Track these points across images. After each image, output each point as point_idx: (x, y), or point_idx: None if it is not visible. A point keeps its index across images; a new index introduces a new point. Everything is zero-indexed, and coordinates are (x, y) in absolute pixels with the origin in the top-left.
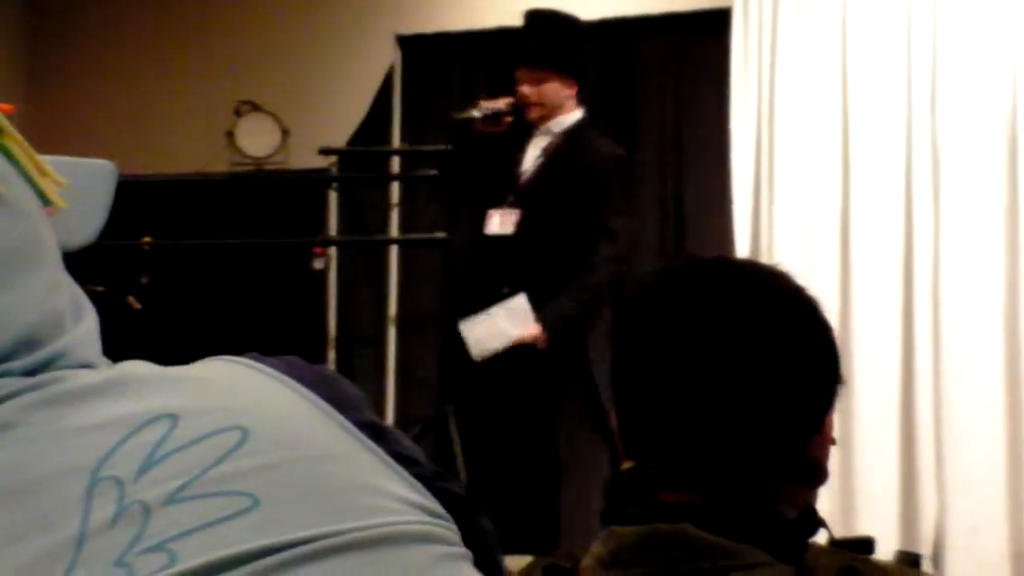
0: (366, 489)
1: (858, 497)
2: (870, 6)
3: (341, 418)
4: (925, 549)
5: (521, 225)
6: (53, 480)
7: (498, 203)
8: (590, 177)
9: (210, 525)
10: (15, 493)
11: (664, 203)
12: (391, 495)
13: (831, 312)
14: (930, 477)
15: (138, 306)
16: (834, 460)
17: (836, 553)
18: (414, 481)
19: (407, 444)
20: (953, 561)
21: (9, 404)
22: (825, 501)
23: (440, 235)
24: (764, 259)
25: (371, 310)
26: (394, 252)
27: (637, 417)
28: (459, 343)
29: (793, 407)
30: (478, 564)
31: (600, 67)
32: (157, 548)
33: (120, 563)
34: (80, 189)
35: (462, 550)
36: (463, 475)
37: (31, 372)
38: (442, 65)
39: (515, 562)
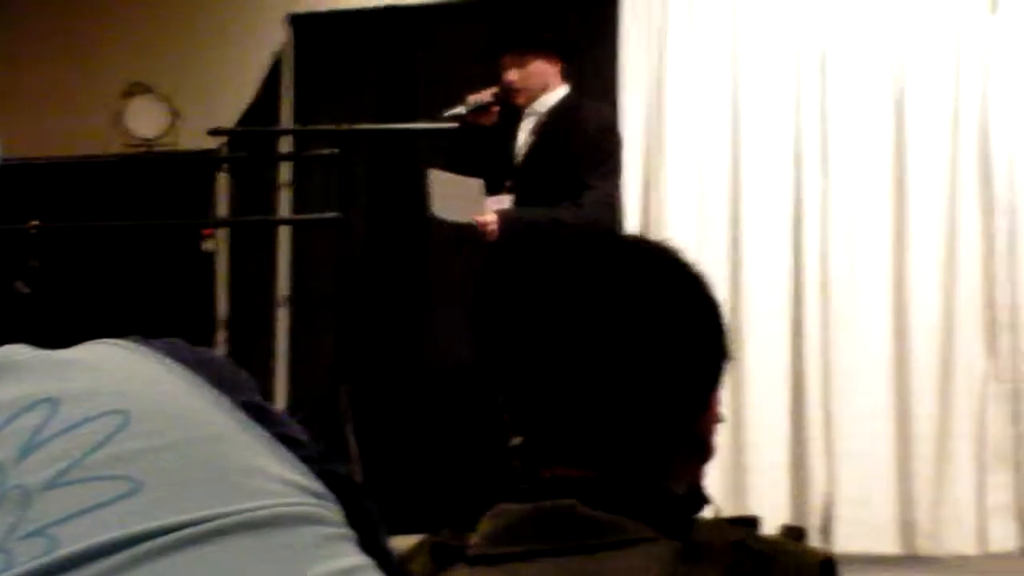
0: (250, 471)
1: (749, 471)
2: None
3: (224, 400)
4: (815, 520)
5: (520, 202)
6: None
7: (495, 191)
8: (577, 148)
9: (91, 510)
10: None
11: None
12: (275, 477)
13: (720, 288)
14: (819, 449)
15: (27, 290)
16: (725, 435)
17: (724, 528)
18: (298, 462)
19: (292, 425)
20: (843, 531)
21: None
22: (717, 475)
23: (332, 215)
24: (653, 234)
25: (262, 292)
26: (285, 233)
27: (525, 393)
28: (356, 324)
29: (680, 384)
30: (363, 545)
31: (491, 46)
32: (37, 533)
33: (0, 548)
34: None
35: (346, 531)
36: (355, 455)
37: None
38: (334, 44)
39: (408, 542)
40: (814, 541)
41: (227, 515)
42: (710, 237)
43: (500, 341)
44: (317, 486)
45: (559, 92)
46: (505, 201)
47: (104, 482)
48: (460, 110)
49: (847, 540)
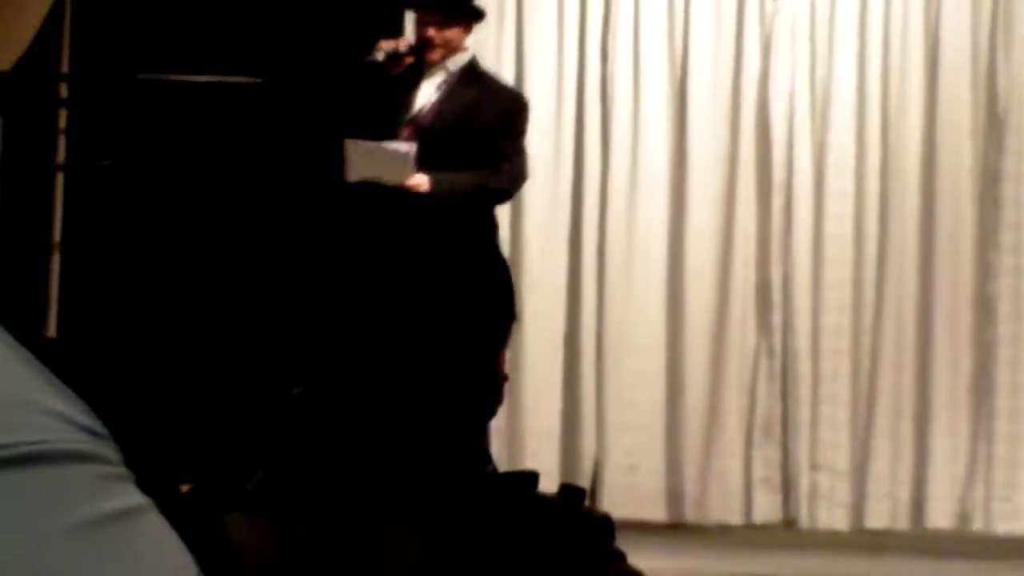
0: (23, 404)
1: (525, 434)
2: None
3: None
4: (584, 484)
5: (421, 158)
6: None
7: (391, 136)
8: (493, 114)
9: None
10: None
11: None
12: (50, 411)
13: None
14: (590, 418)
15: None
16: (503, 399)
17: (503, 487)
18: (77, 399)
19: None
20: (610, 497)
21: None
22: (494, 438)
23: (106, 162)
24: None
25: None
26: (60, 179)
27: (319, 344)
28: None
29: (471, 342)
30: (142, 485)
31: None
32: None
33: None
34: None
35: (123, 470)
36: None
37: None
38: None
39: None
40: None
41: (4, 447)
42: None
43: (299, 295)
44: (96, 424)
45: (466, 55)
46: (403, 147)
47: None
48: (377, 56)
49: (614, 506)
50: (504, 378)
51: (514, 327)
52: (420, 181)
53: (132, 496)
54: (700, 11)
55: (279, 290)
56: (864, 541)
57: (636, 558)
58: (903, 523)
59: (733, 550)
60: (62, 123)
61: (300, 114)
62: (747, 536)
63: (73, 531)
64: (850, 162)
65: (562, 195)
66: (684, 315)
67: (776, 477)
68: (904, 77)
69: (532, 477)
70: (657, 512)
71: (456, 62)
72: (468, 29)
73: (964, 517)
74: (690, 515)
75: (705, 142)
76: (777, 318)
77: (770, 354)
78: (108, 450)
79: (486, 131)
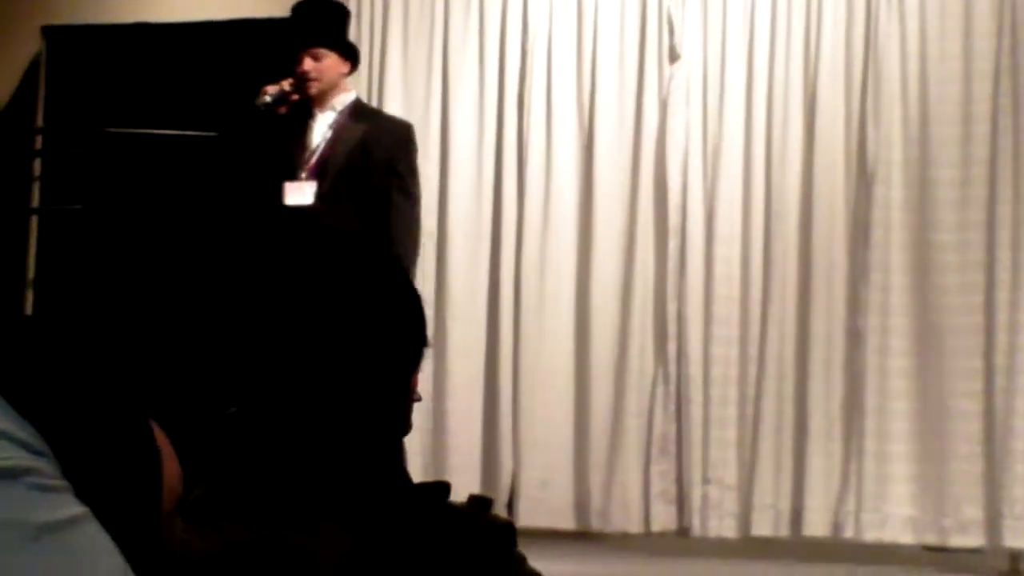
0: None
1: (449, 452)
2: (464, 23)
3: None
4: (503, 497)
5: (320, 195)
6: None
7: (291, 177)
8: (385, 144)
9: None
10: None
11: None
12: None
13: (428, 292)
14: (508, 437)
15: None
16: (428, 419)
17: (417, 499)
18: (15, 415)
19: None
20: (526, 510)
21: None
22: (418, 456)
23: (77, 207)
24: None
25: (11, 275)
26: (34, 221)
27: (251, 367)
28: (94, 306)
29: (386, 365)
30: (82, 494)
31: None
32: None
33: None
34: None
35: (61, 482)
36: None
37: None
38: (86, 55)
39: None
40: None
41: None
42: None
43: (234, 324)
44: (34, 439)
45: (351, 95)
46: (307, 187)
47: None
48: (266, 99)
49: (529, 517)
50: (416, 399)
51: (424, 352)
52: None
53: (71, 506)
54: (605, 71)
55: (219, 319)
56: (750, 548)
57: (548, 563)
58: (784, 531)
59: (634, 556)
60: (37, 171)
61: (246, 162)
62: (646, 543)
63: (11, 545)
64: (737, 209)
65: (483, 235)
66: (590, 345)
67: (672, 490)
68: (785, 134)
69: (444, 487)
70: (566, 522)
71: (342, 101)
72: (344, 64)
73: (838, 526)
74: (595, 524)
75: (609, 189)
76: (672, 348)
77: (666, 381)
78: (45, 464)
79: (383, 160)
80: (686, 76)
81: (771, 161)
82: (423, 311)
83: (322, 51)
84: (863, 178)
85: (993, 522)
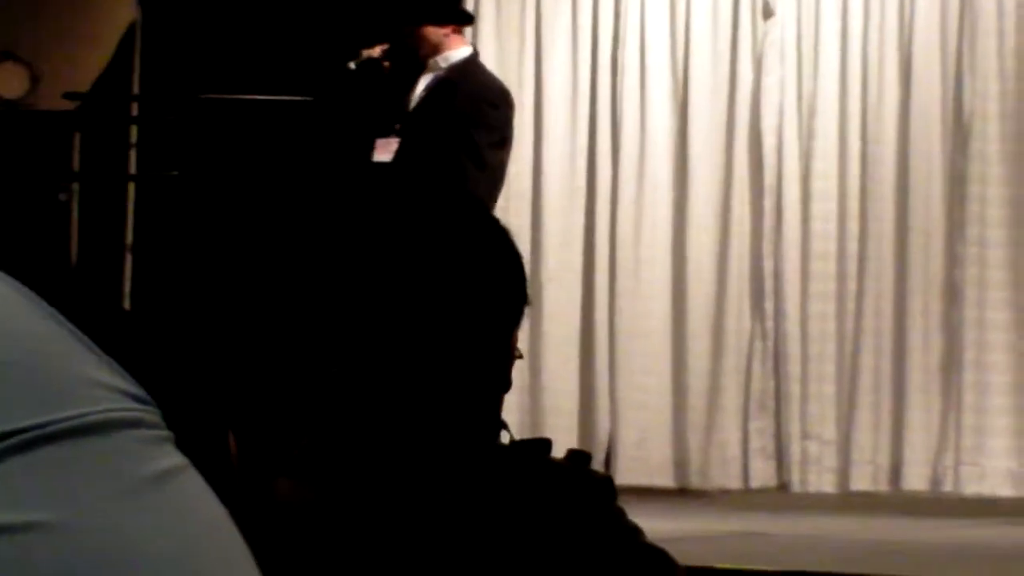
0: (78, 380)
1: (546, 413)
2: None
3: (52, 310)
4: (599, 457)
5: (399, 153)
6: None
7: (385, 133)
8: (467, 108)
9: None
10: None
11: None
12: (101, 384)
13: (525, 248)
14: (605, 397)
15: None
16: (524, 379)
17: (518, 452)
18: (119, 368)
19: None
20: (624, 468)
21: None
22: (515, 414)
23: (174, 173)
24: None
25: (112, 240)
26: (131, 188)
27: (347, 326)
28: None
29: (487, 322)
30: (183, 444)
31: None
32: None
33: None
34: None
35: (166, 432)
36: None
37: None
38: (181, 19)
39: None
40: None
41: (56, 423)
42: (514, 208)
43: (332, 286)
44: (138, 390)
45: (462, 51)
46: (393, 143)
47: None
48: (351, 65)
49: (627, 475)
50: (517, 356)
51: (524, 310)
52: None
53: (175, 456)
54: (699, 30)
55: (316, 280)
56: (849, 502)
57: (647, 520)
58: (883, 486)
59: (732, 512)
60: (134, 138)
61: (336, 123)
62: (745, 499)
63: (124, 492)
64: (833, 167)
65: (577, 196)
66: (687, 304)
67: (770, 446)
68: (881, 90)
69: (545, 443)
70: (665, 479)
71: (446, 59)
72: (443, 27)
73: (937, 480)
74: (694, 481)
75: (704, 149)
76: (769, 306)
77: (763, 337)
78: (152, 415)
79: (462, 122)
80: (780, 33)
81: (866, 117)
82: (523, 268)
83: (409, 30)
84: (959, 132)
85: None
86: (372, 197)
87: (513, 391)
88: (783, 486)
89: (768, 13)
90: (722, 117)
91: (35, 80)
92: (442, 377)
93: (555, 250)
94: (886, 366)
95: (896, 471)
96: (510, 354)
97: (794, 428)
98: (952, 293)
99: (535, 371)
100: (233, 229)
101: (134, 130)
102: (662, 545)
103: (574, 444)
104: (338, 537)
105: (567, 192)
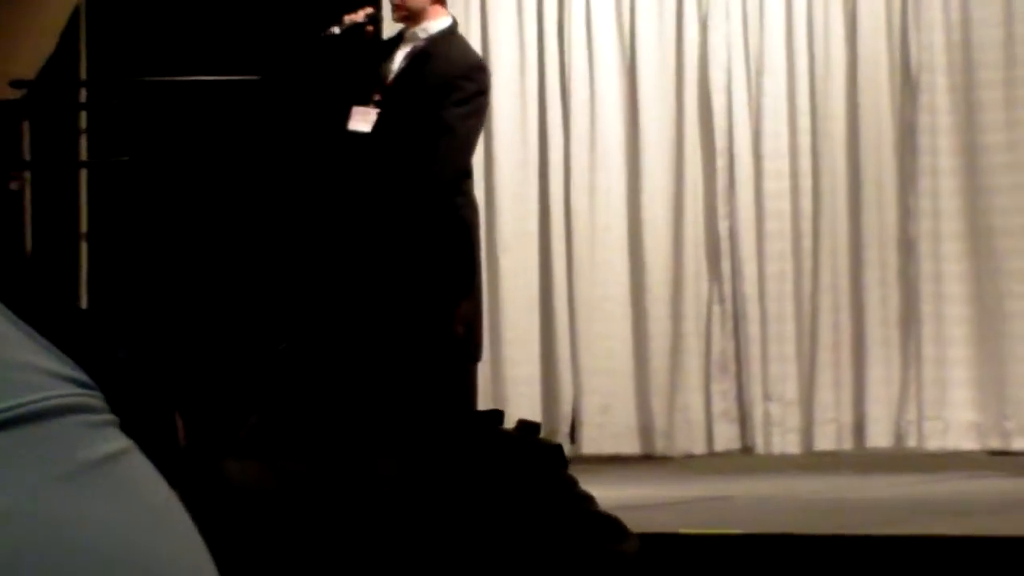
0: (17, 366)
1: (507, 382)
2: None
3: None
4: (564, 427)
5: (378, 124)
6: None
7: (363, 102)
8: (443, 79)
9: None
10: None
11: None
12: (41, 370)
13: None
14: (567, 365)
15: None
16: (486, 351)
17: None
18: (60, 353)
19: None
20: (589, 436)
21: None
22: (478, 386)
23: (124, 158)
24: None
25: (64, 228)
26: (84, 175)
27: (299, 308)
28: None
29: (433, 296)
30: (134, 426)
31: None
32: None
33: None
34: None
35: (109, 416)
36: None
37: None
38: (125, 2)
39: None
40: (564, 445)
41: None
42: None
43: (282, 259)
44: (80, 375)
45: (441, 21)
46: (371, 113)
47: None
48: (335, 30)
49: (593, 443)
50: (464, 327)
51: (472, 282)
52: None
53: (118, 440)
54: None
55: (265, 257)
56: (814, 462)
57: (614, 488)
58: (847, 444)
59: (699, 476)
60: (83, 124)
61: (294, 105)
62: (710, 463)
63: (67, 477)
64: (784, 124)
65: (530, 165)
66: (644, 268)
67: (733, 409)
68: (828, 46)
69: (497, 415)
70: (631, 446)
71: (425, 29)
72: None
73: (900, 436)
74: (659, 447)
75: (654, 111)
76: (726, 267)
77: (722, 300)
78: (95, 399)
79: (438, 91)
80: None
81: (814, 73)
82: (469, 242)
83: None
84: (907, 85)
85: None
86: (321, 180)
87: None
88: (747, 449)
89: None
90: (671, 78)
91: None
92: (387, 350)
93: (510, 222)
94: (845, 323)
95: (859, 429)
96: (452, 327)
97: (756, 390)
98: (907, 246)
99: (495, 342)
100: (184, 213)
101: (83, 116)
102: (629, 513)
103: (537, 414)
104: (290, 515)
105: (520, 163)
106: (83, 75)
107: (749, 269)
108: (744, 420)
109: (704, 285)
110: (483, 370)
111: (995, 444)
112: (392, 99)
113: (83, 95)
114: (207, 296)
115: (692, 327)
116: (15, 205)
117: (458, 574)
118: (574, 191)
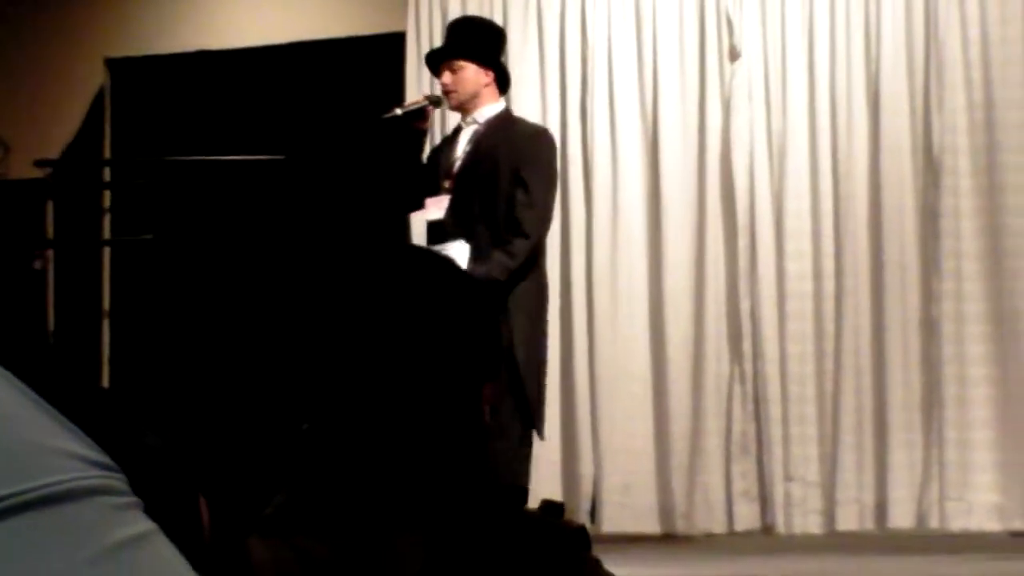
0: (40, 448)
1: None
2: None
3: (16, 380)
4: (585, 505)
5: (451, 208)
6: None
7: (434, 192)
8: (513, 151)
9: None
10: None
11: None
12: (65, 452)
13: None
14: (587, 444)
15: None
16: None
17: (493, 505)
18: (83, 436)
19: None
20: (610, 515)
21: None
22: None
23: (147, 236)
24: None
25: (88, 306)
26: (107, 253)
27: (327, 383)
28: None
29: (458, 378)
30: (161, 509)
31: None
32: None
33: None
34: None
35: (133, 499)
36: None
37: None
38: (150, 85)
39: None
40: (584, 523)
41: (17, 494)
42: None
43: (308, 343)
44: (104, 458)
45: (497, 105)
46: (444, 200)
47: None
48: (396, 112)
49: (613, 522)
50: (488, 408)
51: (498, 364)
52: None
53: (142, 523)
54: (666, 74)
55: (291, 336)
56: (835, 543)
57: (634, 568)
58: (869, 525)
59: (718, 556)
60: (107, 203)
61: (320, 184)
62: (730, 543)
63: (92, 561)
64: (806, 205)
65: (552, 243)
66: (665, 348)
67: (754, 489)
68: (850, 127)
69: (520, 492)
70: (650, 525)
71: (483, 113)
72: (485, 74)
73: (922, 517)
74: (680, 526)
75: (676, 192)
76: (748, 347)
77: (743, 380)
78: (118, 481)
79: (510, 169)
80: (747, 74)
81: (837, 155)
82: (495, 321)
83: (459, 63)
84: (930, 166)
85: None
86: (344, 261)
87: None
88: (768, 528)
89: (735, 55)
90: (693, 159)
91: (5, 149)
92: (411, 432)
93: None
94: (867, 404)
95: (881, 509)
96: (480, 408)
97: (777, 470)
98: (930, 328)
99: None
100: (207, 291)
101: (107, 195)
102: None
103: (559, 493)
104: None
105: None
106: (107, 154)
107: (770, 349)
108: (765, 500)
109: (725, 365)
110: None
111: (1018, 526)
112: (463, 181)
113: (107, 174)
114: (230, 374)
115: (713, 407)
116: (38, 283)
117: None
118: (596, 268)
